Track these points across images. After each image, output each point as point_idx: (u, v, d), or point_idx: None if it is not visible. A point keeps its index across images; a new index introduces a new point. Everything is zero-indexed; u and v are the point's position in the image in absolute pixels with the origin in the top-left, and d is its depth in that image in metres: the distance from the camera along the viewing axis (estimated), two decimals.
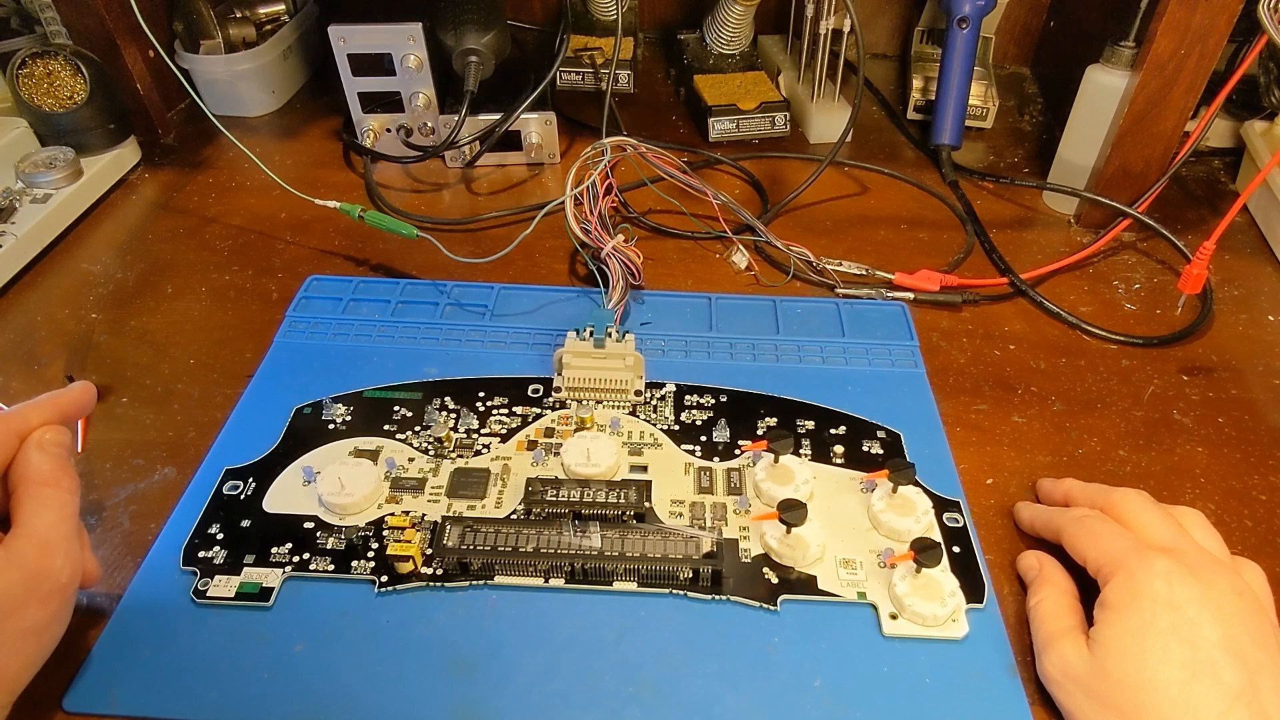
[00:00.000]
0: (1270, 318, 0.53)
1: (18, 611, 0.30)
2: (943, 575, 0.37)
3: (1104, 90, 0.56)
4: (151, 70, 0.70)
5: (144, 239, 0.61)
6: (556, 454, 0.43)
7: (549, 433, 0.44)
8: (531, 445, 0.44)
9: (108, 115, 0.64)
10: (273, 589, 0.37)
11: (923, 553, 0.36)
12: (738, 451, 0.43)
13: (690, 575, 0.37)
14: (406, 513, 0.40)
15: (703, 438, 0.44)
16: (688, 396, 0.46)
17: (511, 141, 0.66)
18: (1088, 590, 0.35)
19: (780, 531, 0.38)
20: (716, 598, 0.37)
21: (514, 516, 0.40)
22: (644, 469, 0.43)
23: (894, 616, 0.36)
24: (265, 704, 0.34)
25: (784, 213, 0.63)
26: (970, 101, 0.67)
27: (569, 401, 0.46)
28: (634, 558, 0.37)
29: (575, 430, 0.44)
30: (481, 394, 0.47)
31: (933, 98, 0.67)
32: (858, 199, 0.65)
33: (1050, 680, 0.33)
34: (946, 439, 0.44)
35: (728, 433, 0.44)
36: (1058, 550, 0.38)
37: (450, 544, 0.38)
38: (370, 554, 0.39)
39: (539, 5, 0.86)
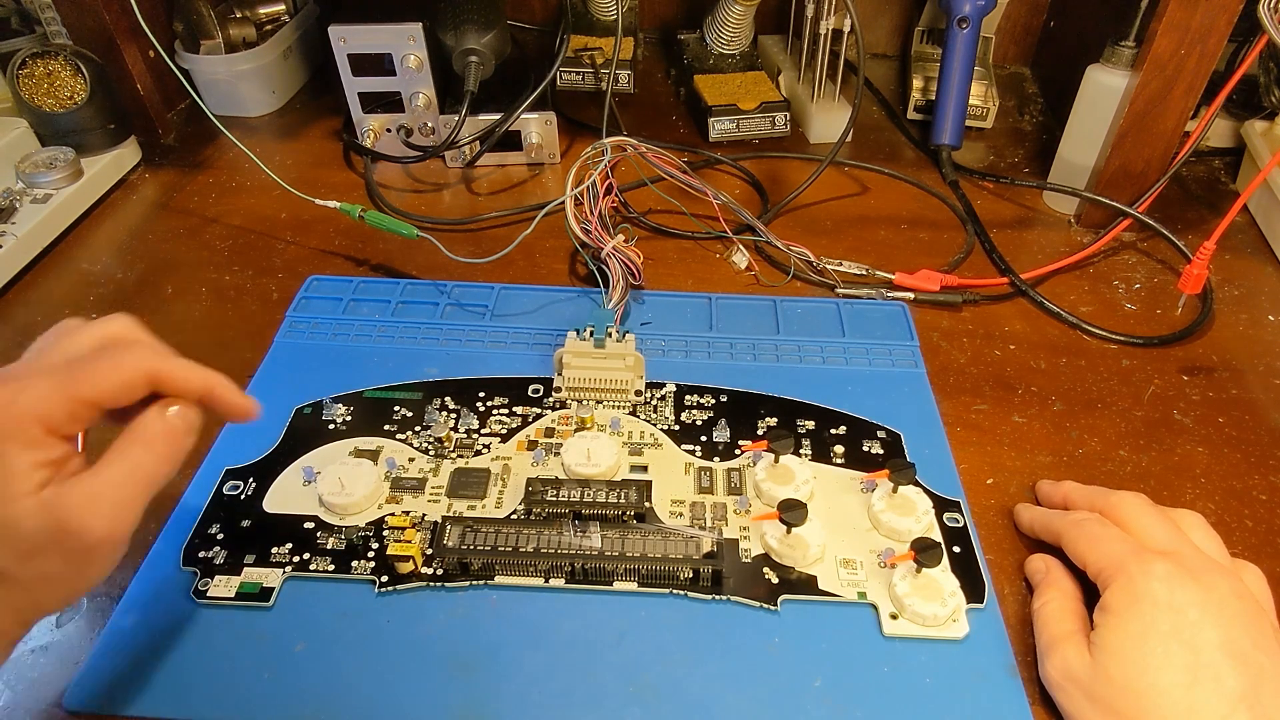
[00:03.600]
0: (1270, 318, 0.53)
1: (39, 555, 0.28)
2: (943, 575, 0.37)
3: (1104, 90, 0.56)
4: (151, 70, 0.70)
5: (144, 239, 0.61)
6: (557, 454, 0.43)
7: (549, 433, 0.44)
8: (532, 445, 0.44)
9: (108, 115, 0.64)
10: (273, 589, 0.37)
11: (923, 553, 0.36)
12: (738, 451, 0.43)
13: (690, 575, 0.37)
14: (407, 513, 0.40)
15: (703, 438, 0.44)
16: (688, 396, 0.46)
17: (511, 141, 0.66)
18: (1091, 594, 0.35)
19: (780, 531, 0.38)
20: (717, 598, 0.37)
21: (514, 516, 0.40)
22: (644, 469, 0.43)
23: (894, 616, 0.36)
24: (265, 704, 0.34)
25: (784, 213, 0.63)
26: (970, 101, 0.67)
27: (569, 401, 0.46)
28: (634, 558, 0.37)
29: (575, 430, 0.44)
30: (481, 394, 0.47)
31: (933, 98, 0.67)
32: (858, 199, 0.65)
33: (1052, 683, 0.33)
34: (947, 439, 0.44)
35: (728, 433, 0.44)
36: (1058, 553, 0.38)
37: (450, 544, 0.38)
38: (370, 554, 0.39)
39: (539, 5, 0.86)
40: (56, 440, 0.28)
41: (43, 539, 0.27)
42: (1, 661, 0.29)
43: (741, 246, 0.57)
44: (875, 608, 0.37)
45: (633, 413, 0.46)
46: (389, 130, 0.66)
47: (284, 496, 0.41)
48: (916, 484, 0.40)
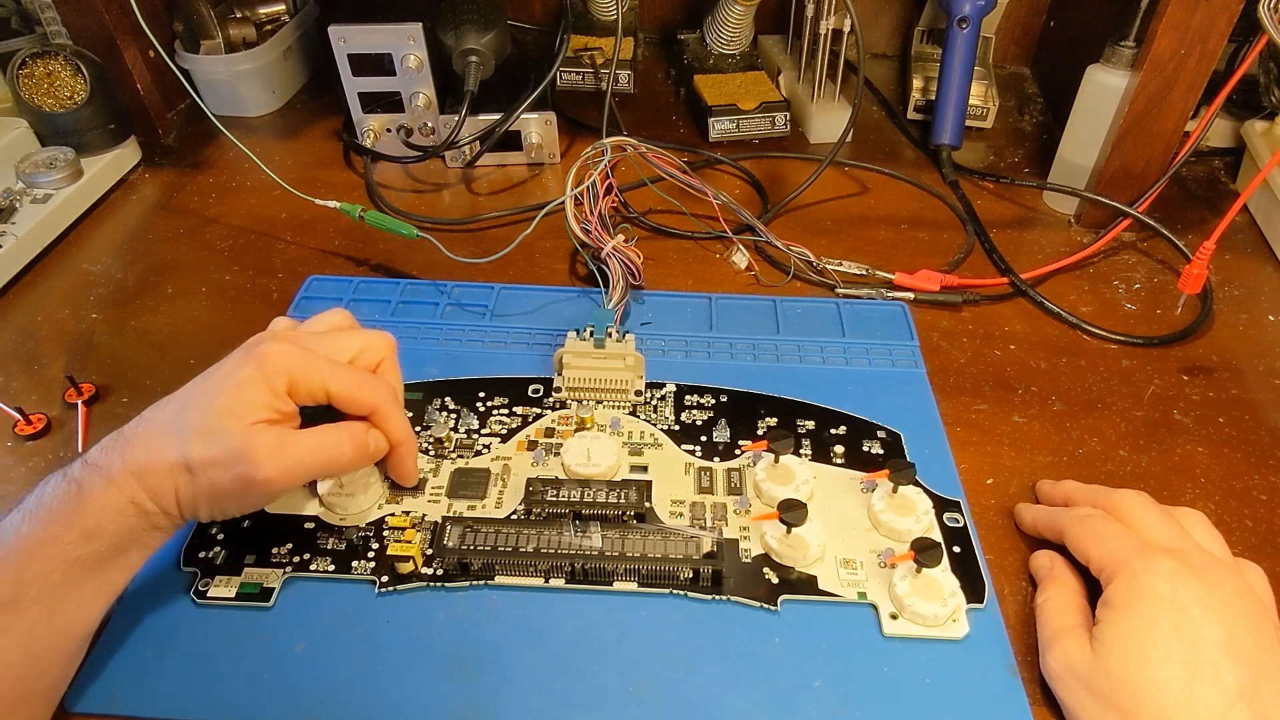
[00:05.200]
0: (1270, 318, 0.53)
1: (218, 466, 0.33)
2: (943, 575, 0.37)
3: (1104, 90, 0.56)
4: (151, 70, 0.70)
5: (144, 239, 0.61)
6: (557, 454, 0.43)
7: (549, 433, 0.44)
8: (532, 445, 0.44)
9: (108, 115, 0.64)
10: (273, 589, 0.37)
11: (923, 553, 0.36)
12: (738, 451, 0.43)
13: (690, 575, 0.37)
14: (407, 513, 0.40)
15: (703, 438, 0.44)
16: (688, 396, 0.46)
17: (511, 141, 0.66)
18: (1094, 590, 0.35)
19: (780, 531, 0.38)
20: (717, 598, 0.37)
21: (514, 517, 0.40)
22: (644, 469, 0.42)
23: (894, 616, 0.36)
24: (265, 704, 0.34)
25: (784, 213, 0.63)
26: (970, 101, 0.67)
27: (569, 401, 0.46)
28: (634, 558, 0.37)
29: (575, 430, 0.44)
30: (482, 394, 0.47)
31: (933, 98, 0.67)
32: (858, 199, 0.65)
33: (1053, 676, 0.33)
34: (947, 439, 0.44)
35: (728, 433, 0.44)
36: (1060, 551, 0.38)
37: (451, 544, 0.38)
38: (370, 554, 0.39)
39: (539, 5, 0.86)
40: (289, 399, 0.35)
41: (229, 455, 0.33)
42: (150, 551, 0.34)
43: (741, 246, 0.57)
44: (875, 608, 0.37)
45: (633, 413, 0.46)
46: (389, 130, 0.66)
47: (284, 497, 0.41)
48: (916, 484, 0.40)
